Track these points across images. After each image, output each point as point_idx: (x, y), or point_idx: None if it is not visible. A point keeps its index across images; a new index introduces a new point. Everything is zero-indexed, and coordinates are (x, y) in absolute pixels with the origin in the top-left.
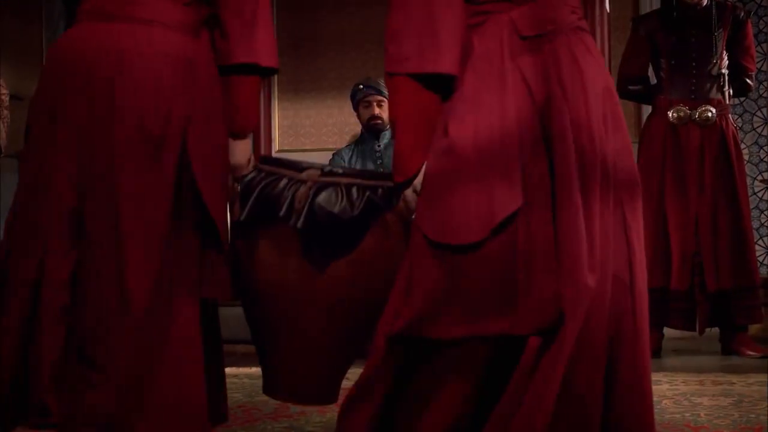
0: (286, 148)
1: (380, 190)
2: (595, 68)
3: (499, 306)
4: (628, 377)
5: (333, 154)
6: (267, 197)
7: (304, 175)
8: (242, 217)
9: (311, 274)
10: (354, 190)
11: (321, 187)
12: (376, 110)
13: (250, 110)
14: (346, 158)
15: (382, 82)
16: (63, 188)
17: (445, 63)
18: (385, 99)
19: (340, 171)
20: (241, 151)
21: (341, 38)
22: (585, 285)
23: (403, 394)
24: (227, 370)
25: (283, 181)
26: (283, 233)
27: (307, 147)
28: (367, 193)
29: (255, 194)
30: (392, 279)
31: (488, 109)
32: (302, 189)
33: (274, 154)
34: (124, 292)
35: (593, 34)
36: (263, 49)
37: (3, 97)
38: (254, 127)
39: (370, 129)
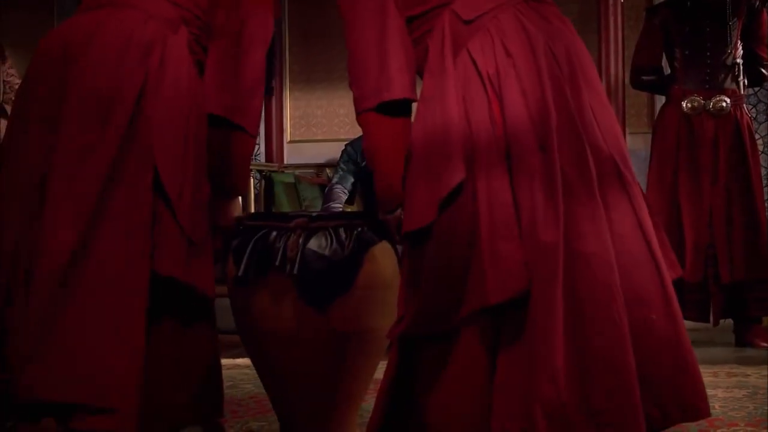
0: (297, 138)
1: (365, 228)
2: (553, 32)
3: (466, 284)
4: (659, 343)
5: (345, 145)
6: (260, 250)
7: (292, 224)
8: (240, 273)
9: (308, 318)
10: (342, 231)
11: (310, 234)
12: None
13: (245, 169)
14: (359, 150)
15: None
16: (34, 159)
17: (396, 90)
18: None
19: (327, 215)
20: (231, 210)
21: None
22: (542, 243)
23: (415, 374)
24: (238, 361)
25: (273, 233)
26: (277, 282)
27: (319, 137)
28: (355, 233)
29: (249, 249)
30: (389, 307)
31: (432, 100)
32: (293, 238)
33: (285, 145)
34: (38, 254)
35: (606, 25)
36: (254, 119)
37: (16, 87)
38: (246, 190)
39: None
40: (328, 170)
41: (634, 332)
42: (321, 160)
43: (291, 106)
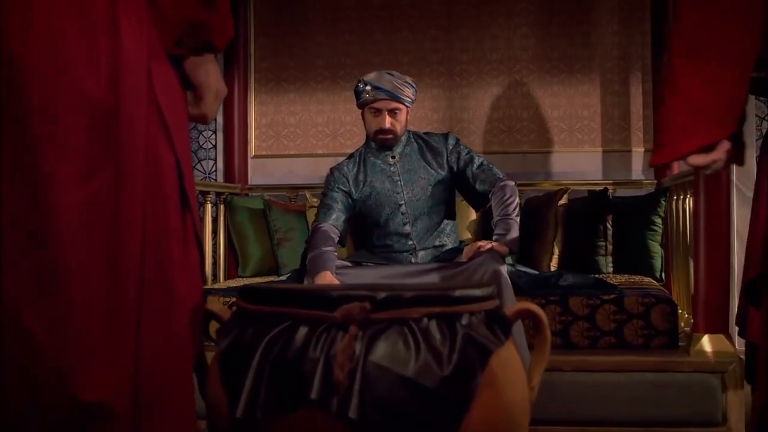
0: (263, 153)
1: (475, 316)
2: None
3: None
4: None
5: (331, 171)
6: (278, 366)
7: (339, 313)
8: (239, 412)
9: None
10: (433, 326)
11: (376, 333)
12: (387, 122)
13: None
14: (351, 176)
15: (397, 79)
16: None
17: None
18: (402, 106)
19: (409, 295)
20: (218, 72)
21: (334, 16)
22: None
23: None
24: None
25: (302, 331)
26: (312, 428)
27: (291, 152)
28: (459, 327)
29: (254, 363)
30: None
31: None
32: (342, 341)
33: (249, 161)
34: None
35: None
36: None
37: None
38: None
39: (378, 143)
40: (308, 194)
41: None
42: (294, 180)
43: (256, 112)
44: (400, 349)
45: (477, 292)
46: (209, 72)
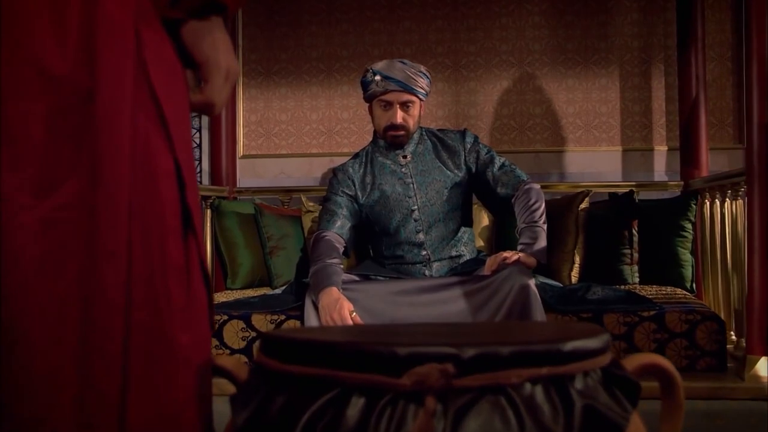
0: (253, 152)
1: (587, 377)
2: None
3: None
4: None
5: (335, 172)
6: None
7: (407, 379)
8: None
9: None
10: (539, 394)
11: (463, 407)
12: (399, 116)
13: None
14: (356, 178)
15: (409, 68)
16: None
17: None
18: (415, 98)
19: (506, 351)
20: (229, 44)
21: (330, 3)
22: None
23: None
24: None
25: (358, 403)
26: None
27: (283, 151)
28: (576, 398)
29: None
30: None
31: None
32: (415, 419)
33: (238, 162)
34: None
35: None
36: None
37: None
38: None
39: (387, 140)
40: (303, 197)
41: None
42: (287, 182)
43: (245, 109)
44: (497, 429)
45: (593, 343)
46: (217, 43)
